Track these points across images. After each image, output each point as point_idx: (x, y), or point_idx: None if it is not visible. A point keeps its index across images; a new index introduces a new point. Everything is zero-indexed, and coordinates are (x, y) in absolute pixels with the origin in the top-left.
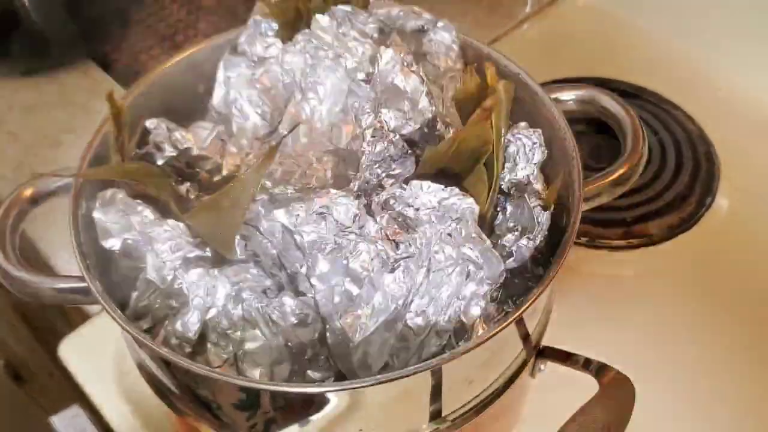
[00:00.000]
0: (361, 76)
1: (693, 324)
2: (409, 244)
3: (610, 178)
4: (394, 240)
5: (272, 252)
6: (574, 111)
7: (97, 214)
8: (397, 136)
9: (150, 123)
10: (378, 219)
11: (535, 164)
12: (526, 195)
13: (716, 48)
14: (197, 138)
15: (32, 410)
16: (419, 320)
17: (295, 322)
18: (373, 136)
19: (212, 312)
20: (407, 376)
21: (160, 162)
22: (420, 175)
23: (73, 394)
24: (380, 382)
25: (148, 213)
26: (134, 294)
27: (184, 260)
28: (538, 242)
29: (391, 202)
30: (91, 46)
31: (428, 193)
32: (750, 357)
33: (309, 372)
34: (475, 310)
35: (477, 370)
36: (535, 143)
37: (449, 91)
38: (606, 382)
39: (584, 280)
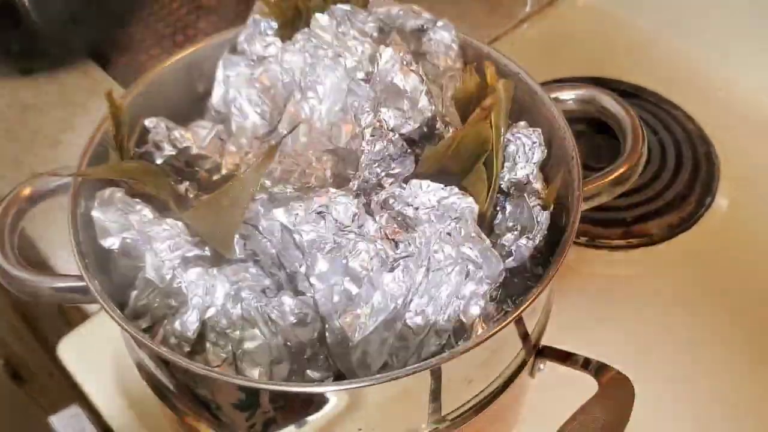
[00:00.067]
0: (360, 75)
1: (692, 324)
2: (409, 244)
3: (610, 178)
4: (393, 239)
5: (271, 251)
6: (574, 110)
7: (95, 213)
8: (397, 135)
9: (149, 122)
10: (377, 218)
11: (534, 163)
12: (525, 194)
13: (716, 48)
14: (196, 137)
15: (31, 410)
16: (418, 319)
17: (294, 321)
18: (372, 135)
19: (211, 311)
20: (406, 375)
21: (159, 161)
22: (419, 175)
23: (72, 393)
24: (379, 382)
25: (147, 212)
26: (133, 293)
27: (183, 259)
28: (537, 242)
29: (391, 201)
30: (90, 45)
31: (427, 193)
32: (749, 356)
33: (308, 371)
34: (475, 310)
35: (476, 369)
36: (534, 142)
37: (449, 91)
38: (605, 381)
39: (584, 279)
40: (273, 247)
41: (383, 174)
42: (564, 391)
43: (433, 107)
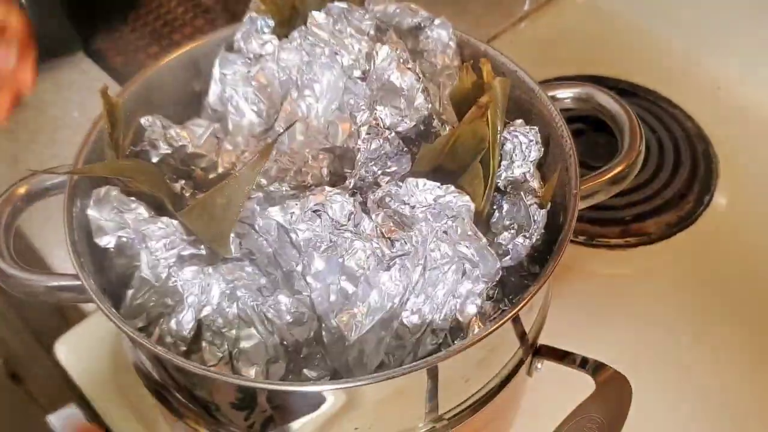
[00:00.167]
0: (357, 73)
1: (690, 322)
2: (405, 242)
3: (607, 176)
4: (389, 238)
5: (267, 250)
6: (572, 109)
7: (91, 212)
8: (393, 134)
9: (145, 120)
10: (373, 217)
11: (531, 162)
12: (522, 193)
13: (715, 46)
14: (192, 135)
15: (29, 409)
16: (415, 318)
17: (291, 320)
18: (368, 133)
19: (207, 310)
20: (403, 374)
21: (154, 159)
22: (416, 173)
23: (69, 392)
24: (376, 381)
25: (143, 210)
26: (129, 292)
27: (179, 258)
28: (534, 240)
29: (387, 199)
30: (87, 43)
31: (424, 191)
32: (748, 355)
33: (305, 370)
34: (471, 309)
35: (473, 368)
36: (531, 141)
37: (446, 89)
38: (603, 380)
39: (582, 278)
40: (269, 245)
41: (380, 172)
42: (561, 390)
43: (430, 105)
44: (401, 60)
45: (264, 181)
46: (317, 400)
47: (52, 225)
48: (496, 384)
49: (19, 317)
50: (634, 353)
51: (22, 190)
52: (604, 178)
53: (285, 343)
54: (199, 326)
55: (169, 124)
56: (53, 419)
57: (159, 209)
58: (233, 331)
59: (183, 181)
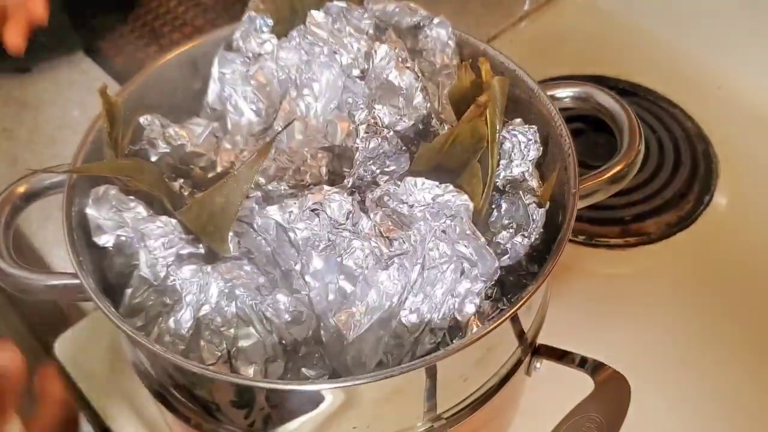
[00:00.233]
0: (356, 72)
1: (690, 322)
2: (403, 241)
3: (606, 176)
4: (388, 237)
5: (266, 249)
6: (571, 108)
7: (90, 211)
8: (392, 133)
9: (144, 119)
10: (372, 216)
11: (530, 161)
12: (521, 192)
13: (715, 46)
14: (191, 134)
15: None
16: (413, 318)
17: (289, 319)
18: (366, 132)
19: (205, 309)
20: (401, 373)
21: (153, 158)
22: (414, 172)
23: (69, 391)
24: (375, 380)
25: (141, 209)
26: (128, 291)
27: (177, 257)
28: (533, 239)
29: (385, 198)
30: (87, 42)
31: (422, 190)
32: (747, 355)
33: (303, 370)
34: (470, 308)
35: (472, 367)
36: (530, 140)
37: (445, 88)
38: (601, 380)
39: (581, 278)
40: (268, 244)
41: (378, 171)
42: (560, 389)
43: (429, 104)
44: (400, 59)
45: (262, 180)
46: (315, 399)
47: (51, 224)
48: (495, 383)
49: (18, 316)
50: (633, 353)
51: (21, 189)
52: (603, 177)
53: (283, 342)
54: (198, 325)
55: (168, 123)
56: None
57: (158, 208)
58: (232, 330)
59: (182, 180)
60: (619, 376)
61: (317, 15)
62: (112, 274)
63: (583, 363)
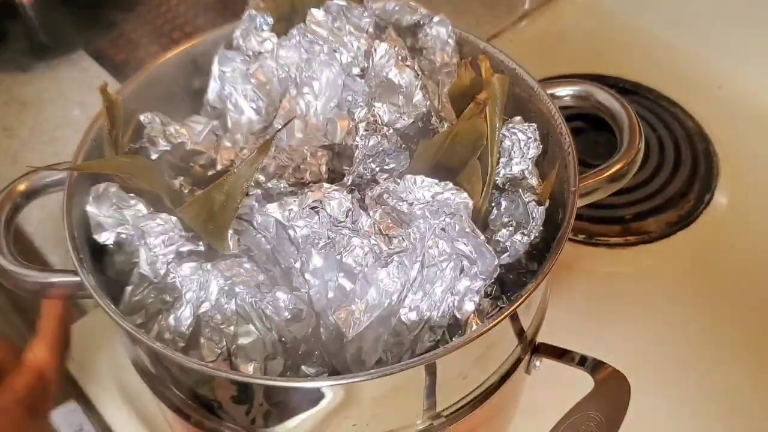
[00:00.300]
0: (356, 70)
1: (690, 321)
2: (403, 239)
3: (606, 174)
4: (387, 235)
5: (266, 247)
6: (572, 107)
7: (90, 208)
8: (391, 130)
9: (144, 117)
10: (371, 213)
11: (530, 159)
12: (520, 190)
13: (716, 45)
14: (191, 132)
15: None
16: (413, 315)
17: (289, 317)
18: (366, 130)
19: (205, 306)
20: (401, 371)
21: (154, 156)
22: (414, 170)
23: (69, 389)
24: (374, 377)
25: (141, 207)
26: (128, 288)
27: (177, 254)
28: (532, 237)
29: (385, 196)
30: (87, 41)
31: (422, 188)
32: (747, 354)
33: (303, 367)
34: (469, 306)
35: (471, 365)
36: (530, 138)
37: (445, 86)
38: (601, 378)
39: (581, 277)
40: (267, 242)
41: (378, 169)
42: (560, 388)
43: (428, 102)
44: (400, 57)
45: (262, 178)
46: (315, 397)
47: (51, 222)
48: (495, 381)
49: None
50: (633, 351)
51: (21, 187)
52: (603, 176)
53: (283, 339)
54: (198, 322)
55: (168, 121)
56: (53, 415)
57: (158, 206)
58: (231, 328)
59: (182, 178)
60: (619, 374)
61: (317, 13)
62: (112, 272)
63: (582, 361)
